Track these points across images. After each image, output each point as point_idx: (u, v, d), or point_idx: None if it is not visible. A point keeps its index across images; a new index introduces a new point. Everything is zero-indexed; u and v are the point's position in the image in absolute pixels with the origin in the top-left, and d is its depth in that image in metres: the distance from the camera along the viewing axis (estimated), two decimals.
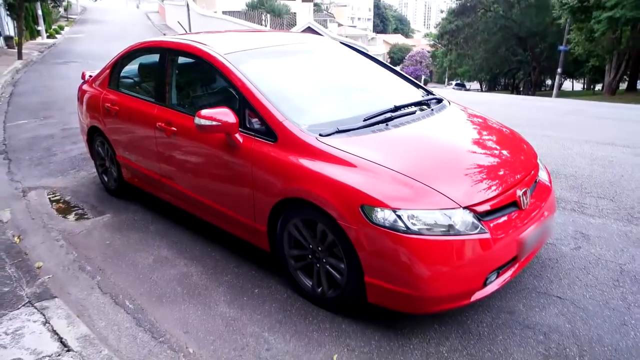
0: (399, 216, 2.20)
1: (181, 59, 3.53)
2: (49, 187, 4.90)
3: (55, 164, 5.68)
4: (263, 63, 3.27)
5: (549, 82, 34.30)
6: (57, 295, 2.80)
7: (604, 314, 2.53)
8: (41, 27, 27.42)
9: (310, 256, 2.66)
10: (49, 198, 4.60)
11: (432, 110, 3.16)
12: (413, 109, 3.11)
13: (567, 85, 36.42)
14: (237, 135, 2.82)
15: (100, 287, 3.04)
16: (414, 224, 2.20)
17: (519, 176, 2.61)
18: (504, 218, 2.42)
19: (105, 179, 4.61)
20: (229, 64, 3.03)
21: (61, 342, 2.33)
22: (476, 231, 2.26)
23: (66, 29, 32.22)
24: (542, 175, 2.95)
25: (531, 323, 2.48)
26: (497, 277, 2.41)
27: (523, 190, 2.55)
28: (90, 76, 4.73)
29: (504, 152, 2.85)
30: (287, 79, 3.27)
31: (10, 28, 23.11)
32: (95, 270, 3.25)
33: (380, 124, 2.79)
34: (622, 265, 2.99)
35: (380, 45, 59.58)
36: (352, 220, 2.29)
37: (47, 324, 2.46)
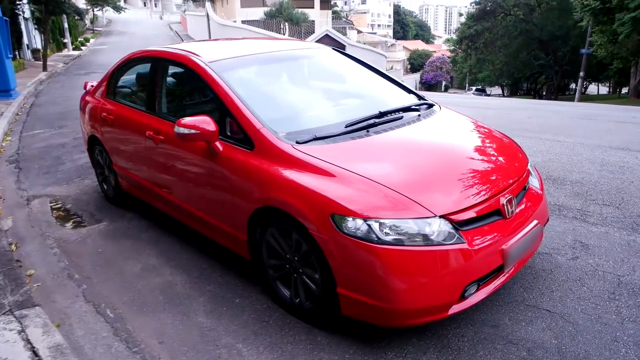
0: (369, 226, 2.13)
1: (171, 68, 3.55)
2: (53, 195, 4.98)
3: (62, 173, 5.78)
4: (248, 71, 3.26)
5: (573, 86, 33.52)
6: (39, 304, 2.82)
7: (594, 329, 2.39)
8: (67, 40, 28.34)
9: (287, 266, 2.60)
10: (51, 206, 4.67)
11: (419, 115, 3.07)
12: (400, 114, 3.03)
13: (593, 89, 35.49)
14: (217, 143, 2.80)
15: (84, 296, 3.05)
16: (387, 234, 2.13)
17: (504, 183, 2.50)
18: (485, 228, 2.31)
19: (105, 187, 4.66)
20: (211, 72, 3.01)
21: (33, 351, 2.33)
22: (452, 241, 2.17)
23: (91, 40, 33.22)
24: (533, 182, 2.83)
25: (515, 338, 2.36)
26: (477, 290, 2.31)
27: (508, 198, 2.44)
28: (92, 86, 4.81)
29: (491, 158, 2.75)
30: (271, 86, 3.24)
31: (37, 41, 23.94)
32: (82, 279, 3.26)
33: (361, 131, 2.73)
34: (621, 277, 2.83)
35: (400, 52, 59.35)
36: (323, 230, 2.23)
37: (23, 333, 2.47)
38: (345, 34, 37.21)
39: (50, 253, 3.68)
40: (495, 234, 2.33)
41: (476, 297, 2.30)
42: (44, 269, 3.43)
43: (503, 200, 2.41)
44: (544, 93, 33.26)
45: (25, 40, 21.82)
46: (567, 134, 6.72)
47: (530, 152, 5.53)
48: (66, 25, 27.64)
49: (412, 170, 2.45)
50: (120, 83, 4.24)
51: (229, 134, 2.84)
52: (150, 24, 38.02)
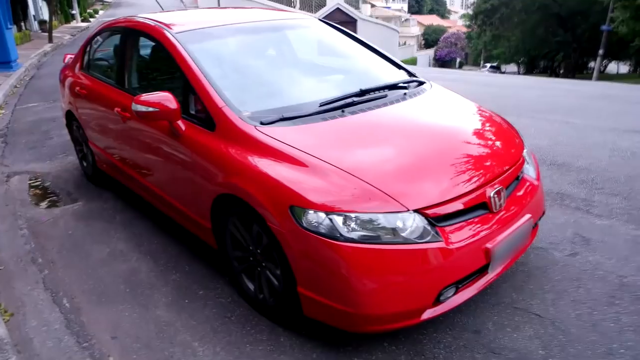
0: (332, 220, 1.88)
1: (140, 40, 3.27)
2: (34, 172, 4.80)
3: (48, 148, 5.60)
4: (220, 43, 2.97)
5: (592, 64, 32.36)
6: None
7: (588, 339, 2.13)
8: (75, 11, 27.98)
9: (251, 258, 2.38)
10: (29, 184, 4.49)
11: (405, 94, 2.77)
12: (384, 92, 2.74)
13: (612, 67, 34.20)
14: (179, 122, 2.55)
15: (44, 282, 2.87)
16: (352, 230, 1.88)
17: (493, 172, 2.22)
18: (468, 223, 2.05)
19: (84, 164, 4.46)
20: (176, 43, 2.74)
21: None
22: (427, 239, 1.91)
23: (100, 12, 32.82)
24: (528, 171, 2.54)
25: (498, 346, 2.12)
26: (455, 293, 2.06)
27: (496, 190, 2.16)
28: (71, 58, 4.56)
29: (479, 143, 2.46)
30: (245, 61, 2.95)
31: (45, 12, 23.62)
32: (46, 263, 3.08)
33: (336, 110, 2.45)
34: (623, 278, 2.56)
35: (414, 27, 57.83)
36: (281, 223, 1.98)
37: None
38: (357, 8, 36.13)
39: (19, 234, 3.50)
40: (479, 230, 2.06)
41: (454, 300, 2.05)
42: (9, 251, 3.26)
43: (490, 192, 2.14)
44: (561, 71, 32.13)
45: (31, 11, 21.53)
46: (578, 115, 6.32)
47: (536, 134, 5.20)
48: None
49: (385, 157, 2.17)
50: (94, 55, 3.98)
51: (193, 112, 2.58)
52: None
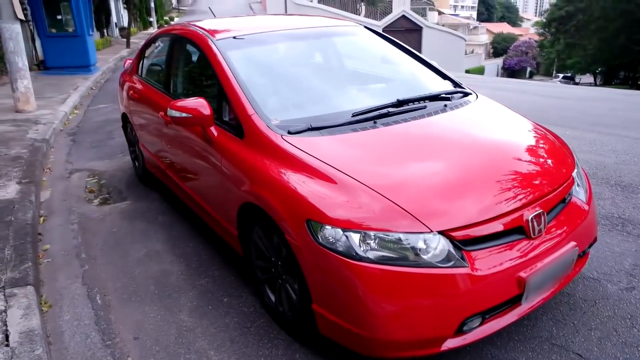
0: (349, 237, 1.79)
1: (185, 46, 3.36)
2: (92, 170, 5.08)
3: (109, 148, 5.92)
4: (260, 50, 2.97)
5: None
6: (32, 283, 2.78)
7: None
8: (153, 18, 29.77)
9: (273, 269, 2.33)
10: (87, 181, 4.76)
11: (446, 106, 2.62)
12: (422, 103, 2.61)
13: None
14: (212, 128, 2.57)
15: (83, 277, 2.99)
16: (370, 250, 1.78)
17: (534, 194, 2.02)
18: (499, 248, 1.88)
19: (136, 164, 4.65)
20: (215, 50, 2.78)
21: (5, 334, 2.27)
22: (450, 264, 1.77)
23: (176, 19, 34.67)
24: (578, 194, 2.30)
25: None
26: (482, 323, 1.89)
27: (536, 213, 1.97)
28: (130, 63, 4.79)
29: (522, 161, 2.26)
30: (283, 68, 2.93)
31: (125, 20, 25.31)
32: (88, 259, 3.22)
33: (368, 122, 2.36)
34: None
35: (483, 35, 55.96)
36: (298, 237, 1.92)
37: (3, 314, 2.42)
38: (424, 15, 35.54)
39: (69, 229, 3.70)
40: (512, 257, 1.88)
41: (480, 332, 1.89)
42: (59, 244, 3.45)
43: (529, 215, 1.95)
44: None
45: (113, 18, 23.12)
46: None
47: (602, 151, 4.78)
48: (152, 4, 29.00)
49: (415, 173, 2.05)
50: (147, 61, 4.15)
51: (226, 119, 2.59)
52: (232, 3, 38.86)
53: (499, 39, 55.28)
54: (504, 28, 60.19)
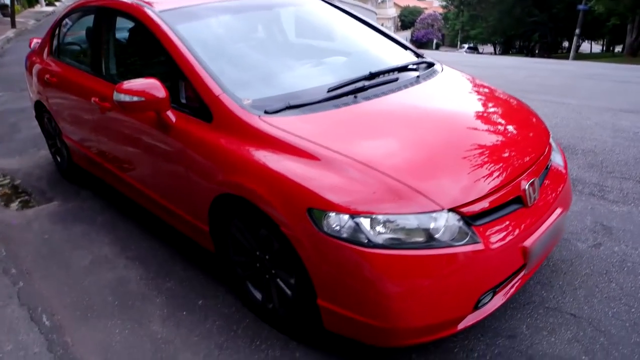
0: (358, 223, 1.64)
1: (118, 20, 2.92)
2: (2, 169, 4.40)
3: (17, 142, 5.17)
4: (210, 22, 2.65)
5: (565, 44, 32.67)
6: None
7: (632, 341, 1.97)
8: None
9: (258, 264, 2.12)
10: None
11: (418, 77, 2.53)
12: (394, 75, 2.49)
13: (585, 47, 34.65)
14: (168, 113, 2.25)
15: (19, 297, 2.55)
16: (380, 234, 1.64)
17: (525, 162, 2.00)
18: (504, 220, 1.84)
19: (58, 159, 4.08)
20: (162, 23, 2.42)
21: None
22: (464, 241, 1.69)
23: None
24: (556, 159, 2.34)
25: (536, 353, 1.94)
26: (492, 297, 1.85)
27: (530, 181, 1.95)
28: (37, 43, 4.14)
29: (507, 130, 2.24)
30: (239, 42, 2.65)
31: None
32: (20, 274, 2.75)
33: (348, 96, 2.19)
34: None
35: (391, 9, 57.32)
36: (297, 228, 1.73)
37: None
38: None
39: None
40: (515, 227, 1.85)
41: (490, 305, 1.85)
42: None
43: (525, 184, 1.92)
44: (537, 51, 32.39)
45: None
46: (570, 95, 6.22)
47: None
48: None
49: (412, 148, 1.93)
50: (64, 39, 3.59)
51: (183, 101, 2.28)
52: None
53: (406, 12, 56.96)
54: (410, 2, 62.10)
